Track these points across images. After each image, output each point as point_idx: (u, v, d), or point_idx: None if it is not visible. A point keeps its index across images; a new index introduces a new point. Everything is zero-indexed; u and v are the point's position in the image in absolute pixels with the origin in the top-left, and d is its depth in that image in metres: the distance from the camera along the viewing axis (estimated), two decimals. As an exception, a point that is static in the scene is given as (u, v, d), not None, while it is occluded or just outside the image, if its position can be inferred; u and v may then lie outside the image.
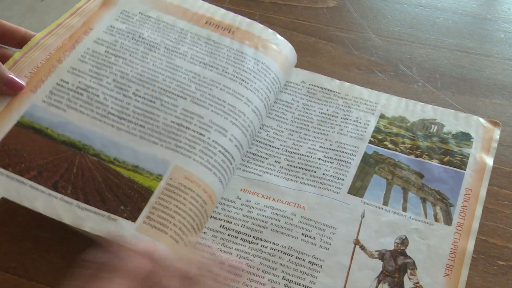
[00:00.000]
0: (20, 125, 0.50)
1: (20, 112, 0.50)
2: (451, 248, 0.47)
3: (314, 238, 0.48)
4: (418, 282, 0.46)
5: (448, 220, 0.49)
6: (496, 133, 0.55)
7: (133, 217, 0.46)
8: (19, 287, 0.47)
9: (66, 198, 0.47)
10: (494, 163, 0.53)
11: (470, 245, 0.48)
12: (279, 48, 0.59)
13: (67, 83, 0.52)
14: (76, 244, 0.49)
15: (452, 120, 0.56)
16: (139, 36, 0.57)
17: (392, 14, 0.69)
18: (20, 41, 0.54)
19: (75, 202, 0.47)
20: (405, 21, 0.68)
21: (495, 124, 0.56)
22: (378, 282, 0.46)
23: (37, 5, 1.67)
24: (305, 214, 0.50)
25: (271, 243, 0.48)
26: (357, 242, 0.48)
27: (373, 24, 0.68)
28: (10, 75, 0.50)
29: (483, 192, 0.51)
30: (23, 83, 0.51)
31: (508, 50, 0.65)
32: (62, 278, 0.47)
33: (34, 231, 0.50)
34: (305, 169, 0.53)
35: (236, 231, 0.49)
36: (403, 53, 0.65)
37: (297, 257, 0.47)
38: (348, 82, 0.60)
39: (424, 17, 0.69)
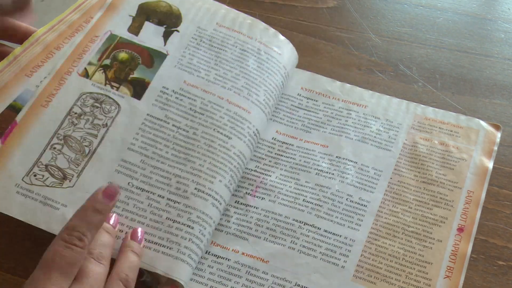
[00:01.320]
0: (12, 109, 0.50)
1: (12, 96, 0.51)
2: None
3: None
4: None
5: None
6: (498, 137, 0.55)
7: None
8: (19, 287, 0.47)
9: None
10: (494, 163, 0.53)
11: (471, 247, 0.48)
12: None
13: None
14: (76, 244, 0.49)
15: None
16: None
17: (392, 14, 0.69)
18: (21, 37, 0.54)
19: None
20: (405, 21, 0.68)
21: (497, 128, 0.56)
22: None
23: (37, 5, 1.66)
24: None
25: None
26: None
27: (373, 24, 0.68)
28: None
29: (484, 195, 0.51)
30: None
31: (508, 50, 0.65)
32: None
33: (34, 231, 0.50)
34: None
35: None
36: (403, 53, 0.65)
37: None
38: (348, 82, 0.60)
39: (424, 17, 0.69)
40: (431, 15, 0.69)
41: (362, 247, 0.48)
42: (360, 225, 0.49)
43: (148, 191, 0.47)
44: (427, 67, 0.63)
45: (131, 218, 0.46)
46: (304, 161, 0.53)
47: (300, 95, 0.59)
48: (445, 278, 0.46)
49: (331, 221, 0.49)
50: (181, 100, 0.52)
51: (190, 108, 0.51)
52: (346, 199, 0.51)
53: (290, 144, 0.55)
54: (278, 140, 0.55)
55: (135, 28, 0.56)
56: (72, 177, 0.46)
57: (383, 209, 0.50)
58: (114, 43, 0.54)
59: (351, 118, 0.56)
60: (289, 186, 0.52)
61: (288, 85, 0.59)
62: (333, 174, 0.52)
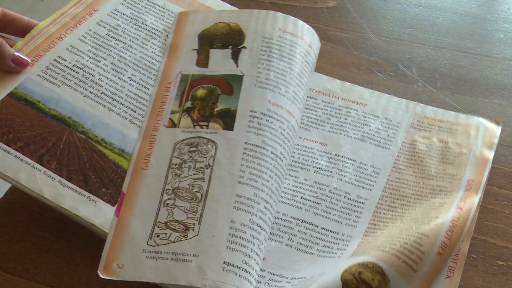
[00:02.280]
0: (13, 96, 0.50)
1: (14, 83, 0.51)
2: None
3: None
4: None
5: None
6: (498, 130, 0.54)
7: (113, 201, 0.47)
8: (19, 287, 0.47)
9: (49, 172, 0.47)
10: (494, 163, 0.53)
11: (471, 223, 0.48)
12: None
13: (65, 60, 0.53)
14: (76, 244, 0.49)
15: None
16: (142, 23, 0.58)
17: (392, 14, 0.69)
18: (23, 30, 0.55)
19: (58, 177, 0.47)
20: (405, 21, 0.69)
21: (497, 122, 0.55)
22: None
23: (37, 5, 1.67)
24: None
25: None
26: None
27: (373, 24, 0.68)
28: (16, 53, 0.52)
29: (484, 182, 0.49)
30: (28, 59, 0.52)
31: (508, 50, 0.65)
32: (62, 278, 0.47)
33: (34, 231, 0.50)
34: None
35: None
36: (402, 53, 0.65)
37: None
38: (348, 82, 0.60)
39: (424, 17, 0.69)
40: (431, 15, 0.69)
41: (359, 242, 0.48)
42: (357, 222, 0.49)
43: (264, 230, 0.46)
44: (426, 67, 0.63)
45: (256, 261, 0.44)
46: (303, 159, 0.53)
47: None
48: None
49: (329, 218, 0.49)
50: (271, 123, 0.50)
51: (281, 133, 0.50)
52: (344, 197, 0.51)
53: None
54: None
55: (202, 61, 0.54)
56: (194, 225, 0.45)
57: (381, 205, 0.50)
58: (188, 83, 0.53)
59: (351, 116, 0.57)
60: (288, 184, 0.52)
61: None
62: (331, 172, 0.52)
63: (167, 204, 0.46)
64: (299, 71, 0.54)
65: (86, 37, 0.55)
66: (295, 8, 0.70)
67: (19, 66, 0.51)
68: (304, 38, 0.56)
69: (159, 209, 0.46)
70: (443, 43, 0.66)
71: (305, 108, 0.57)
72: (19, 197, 0.52)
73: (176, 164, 0.48)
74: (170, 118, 0.51)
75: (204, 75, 0.53)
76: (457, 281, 0.46)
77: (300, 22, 0.57)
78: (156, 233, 0.45)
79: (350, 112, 0.57)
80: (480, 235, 0.49)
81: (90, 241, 0.48)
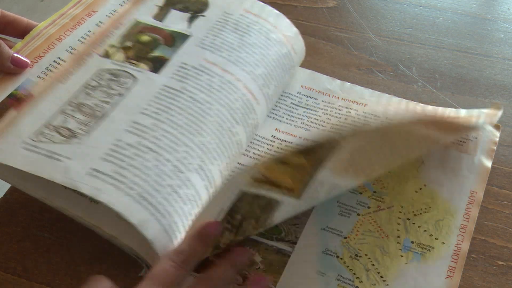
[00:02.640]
0: (13, 98, 0.50)
1: (14, 85, 0.51)
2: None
3: None
4: None
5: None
6: (497, 136, 0.55)
7: None
8: (19, 287, 0.47)
9: None
10: (494, 163, 0.53)
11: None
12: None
13: (64, 61, 0.53)
14: (76, 244, 0.49)
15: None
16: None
17: (391, 14, 0.70)
18: (22, 31, 0.55)
19: None
20: (405, 21, 0.69)
21: (497, 127, 0.55)
22: None
23: (37, 5, 1.67)
24: None
25: None
26: None
27: (373, 24, 0.68)
28: (15, 54, 0.52)
29: (482, 195, 0.51)
30: (28, 61, 0.52)
31: (508, 50, 0.65)
32: (62, 278, 0.47)
33: (34, 231, 0.50)
34: None
35: None
36: (402, 53, 0.65)
37: None
38: (348, 82, 0.60)
39: (424, 17, 0.69)
40: (431, 15, 0.69)
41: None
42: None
43: (157, 152, 0.46)
44: (426, 67, 0.63)
45: (134, 174, 0.44)
46: None
47: (300, 93, 0.59)
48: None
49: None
50: (200, 75, 0.51)
51: (208, 84, 0.51)
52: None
53: (289, 142, 0.55)
54: (277, 138, 0.55)
55: (160, 15, 0.56)
56: (81, 135, 0.46)
57: None
58: (137, 28, 0.55)
59: (351, 116, 0.57)
60: None
61: (289, 83, 0.59)
62: None
63: (66, 112, 0.48)
64: (253, 42, 0.55)
65: (85, 38, 0.55)
66: (295, 8, 0.70)
67: (19, 67, 0.51)
68: (269, 20, 0.57)
69: (55, 115, 0.48)
70: (443, 43, 0.66)
71: (305, 108, 0.57)
72: (19, 197, 0.52)
73: (91, 86, 0.50)
74: (105, 49, 0.53)
75: (155, 26, 0.55)
76: (457, 281, 0.46)
77: (269, 8, 0.58)
78: (42, 132, 0.46)
79: (350, 112, 0.57)
80: (480, 235, 0.49)
81: (90, 241, 0.48)
